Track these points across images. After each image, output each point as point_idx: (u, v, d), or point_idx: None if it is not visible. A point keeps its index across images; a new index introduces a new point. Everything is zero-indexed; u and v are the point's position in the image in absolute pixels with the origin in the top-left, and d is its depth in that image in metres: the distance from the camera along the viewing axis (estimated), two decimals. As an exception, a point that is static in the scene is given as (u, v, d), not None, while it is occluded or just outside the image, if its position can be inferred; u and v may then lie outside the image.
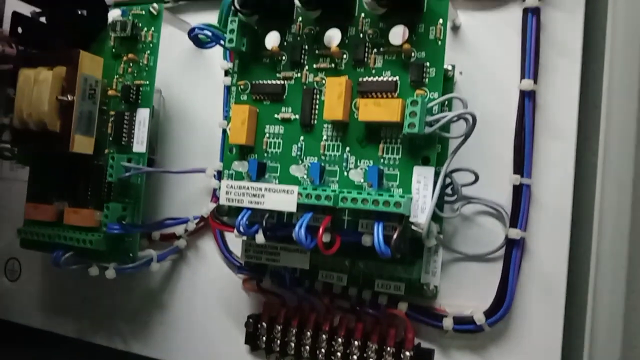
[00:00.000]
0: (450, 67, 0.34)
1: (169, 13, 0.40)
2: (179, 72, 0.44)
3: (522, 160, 0.33)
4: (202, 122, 0.43)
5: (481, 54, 0.36)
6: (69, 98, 0.37)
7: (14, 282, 0.50)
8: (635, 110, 0.33)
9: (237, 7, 0.33)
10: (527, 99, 0.33)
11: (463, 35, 0.36)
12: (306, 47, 0.34)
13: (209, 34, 0.35)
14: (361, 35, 0.32)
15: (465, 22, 0.36)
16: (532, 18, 0.33)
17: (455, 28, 0.36)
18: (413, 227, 0.30)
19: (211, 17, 0.42)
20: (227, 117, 0.39)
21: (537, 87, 0.33)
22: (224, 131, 0.40)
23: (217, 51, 0.42)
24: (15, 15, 0.40)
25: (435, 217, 0.32)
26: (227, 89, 0.41)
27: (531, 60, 0.33)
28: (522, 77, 0.33)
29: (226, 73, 0.41)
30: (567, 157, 0.33)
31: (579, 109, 0.33)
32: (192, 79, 0.44)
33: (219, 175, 0.40)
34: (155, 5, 0.39)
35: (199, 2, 0.43)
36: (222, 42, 0.35)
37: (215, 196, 0.41)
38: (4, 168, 0.52)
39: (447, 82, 0.34)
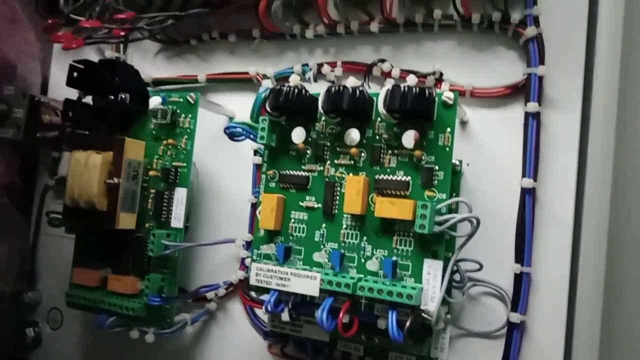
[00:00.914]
0: (457, 162, 0.38)
1: (203, 99, 0.45)
2: (212, 148, 0.48)
3: (522, 250, 0.36)
4: (232, 195, 0.47)
5: (487, 148, 0.39)
6: (115, 181, 0.41)
7: (56, 331, 0.55)
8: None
9: (269, 110, 0.37)
10: (528, 195, 0.37)
11: (470, 129, 0.40)
12: (328, 144, 0.38)
13: (241, 130, 0.39)
14: (377, 137, 0.36)
15: (473, 118, 0.40)
16: (532, 122, 0.37)
17: (464, 123, 0.40)
18: (423, 314, 0.33)
19: (240, 97, 0.47)
20: (256, 194, 0.44)
21: (537, 184, 0.37)
22: (252, 205, 0.45)
23: None
24: (67, 101, 0.44)
25: (444, 301, 0.35)
26: (256, 166, 0.45)
27: (531, 161, 0.37)
28: (524, 175, 0.37)
29: (255, 152, 0.45)
30: (564, 246, 0.37)
31: (575, 200, 0.37)
32: (224, 155, 0.48)
33: (248, 245, 0.45)
34: (192, 94, 0.43)
35: (229, 82, 0.48)
36: (252, 136, 0.40)
37: (243, 264, 0.45)
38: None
39: (455, 175, 0.38)
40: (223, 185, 0.48)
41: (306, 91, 0.37)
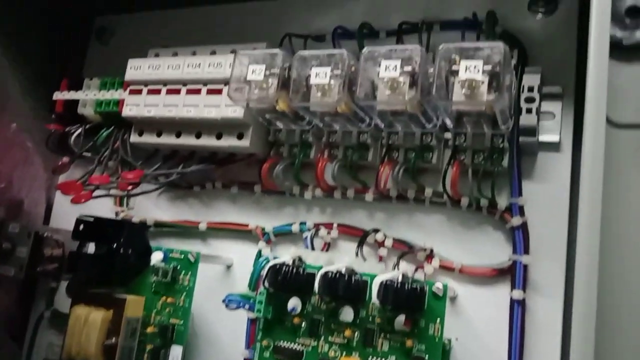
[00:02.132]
0: (447, 341, 0.40)
1: (203, 255, 0.46)
2: (209, 292, 0.49)
3: None
4: (226, 345, 0.48)
5: (475, 324, 0.41)
6: (114, 341, 0.42)
7: None
8: None
9: (267, 285, 0.39)
10: (514, 381, 0.38)
11: (459, 305, 0.42)
12: (323, 319, 0.39)
13: (239, 303, 0.41)
14: (370, 318, 0.38)
15: (462, 293, 0.42)
16: (517, 308, 0.39)
17: (453, 298, 0.42)
18: None
19: (239, 246, 0.49)
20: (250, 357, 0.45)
21: (523, 370, 0.38)
22: None
23: (244, 275, 0.47)
24: (72, 254, 0.46)
25: None
26: (250, 321, 0.46)
27: (517, 347, 0.38)
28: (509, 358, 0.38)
29: (250, 306, 0.46)
30: None
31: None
32: (220, 303, 0.49)
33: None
34: (193, 253, 0.45)
35: (229, 231, 0.50)
36: (248, 307, 0.41)
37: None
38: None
39: (444, 354, 0.39)
40: (218, 332, 0.49)
41: (303, 270, 0.39)
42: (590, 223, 0.29)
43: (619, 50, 0.32)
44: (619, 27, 0.33)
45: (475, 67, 0.34)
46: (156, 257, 0.45)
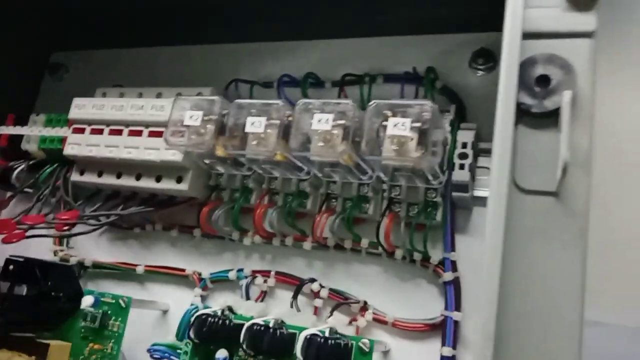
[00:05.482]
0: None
1: (135, 300, 0.45)
2: (143, 337, 0.47)
3: None
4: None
5: (406, 381, 0.40)
6: (33, 390, 0.40)
7: None
8: None
9: (192, 336, 0.38)
10: None
11: (392, 359, 0.41)
12: (252, 374, 0.38)
13: (163, 353, 0.40)
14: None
15: (394, 347, 0.41)
16: (447, 367, 0.38)
17: (386, 352, 0.41)
18: None
19: (176, 290, 0.48)
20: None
21: None
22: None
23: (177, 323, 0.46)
24: (3, 296, 0.44)
25: None
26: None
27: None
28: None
29: (183, 355, 0.45)
30: None
31: None
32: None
33: None
34: (124, 298, 0.44)
35: (167, 275, 0.49)
36: (172, 357, 0.40)
37: None
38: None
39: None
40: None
41: (230, 321, 0.38)
42: (490, 277, 0.29)
43: (529, 118, 0.33)
44: (529, 95, 0.33)
45: (403, 124, 0.34)
46: (86, 302, 0.44)
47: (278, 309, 0.41)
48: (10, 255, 0.45)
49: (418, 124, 0.35)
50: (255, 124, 0.39)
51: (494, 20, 0.35)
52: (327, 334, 0.36)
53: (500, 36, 0.32)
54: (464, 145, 0.40)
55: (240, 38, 0.54)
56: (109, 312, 0.44)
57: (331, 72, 0.49)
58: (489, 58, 0.45)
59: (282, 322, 0.38)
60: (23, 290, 0.46)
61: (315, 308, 0.43)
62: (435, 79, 0.44)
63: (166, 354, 0.40)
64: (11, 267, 0.44)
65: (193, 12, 0.52)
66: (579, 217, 0.31)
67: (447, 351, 0.38)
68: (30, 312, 0.44)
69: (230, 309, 0.40)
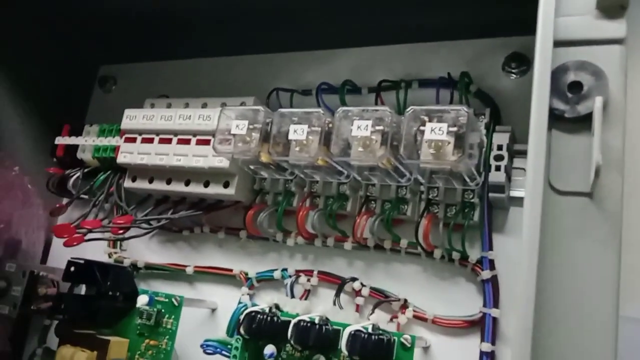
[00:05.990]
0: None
1: (187, 299, 0.48)
2: (194, 334, 0.50)
3: None
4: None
5: (448, 375, 0.42)
6: (96, 383, 0.43)
7: None
8: None
9: (242, 332, 0.40)
10: None
11: (432, 355, 0.43)
12: (297, 367, 0.40)
13: (215, 349, 0.42)
14: (342, 368, 0.39)
15: (434, 343, 0.43)
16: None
17: (426, 348, 0.43)
18: None
19: (223, 290, 0.50)
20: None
21: None
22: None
23: (227, 319, 0.48)
24: (61, 296, 0.48)
25: None
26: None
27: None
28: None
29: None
30: None
31: None
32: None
33: None
34: (177, 297, 0.47)
35: (215, 275, 0.51)
36: (225, 353, 0.42)
37: None
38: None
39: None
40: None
41: (278, 318, 0.41)
42: (528, 274, 0.30)
43: (562, 122, 0.34)
44: (562, 101, 0.34)
45: (440, 128, 0.36)
46: (142, 300, 0.47)
47: (321, 306, 0.43)
48: (72, 258, 0.48)
49: (454, 129, 0.36)
50: (297, 132, 0.41)
51: (526, 23, 0.36)
52: (370, 330, 0.38)
53: (532, 39, 0.33)
54: (500, 148, 0.41)
55: (278, 48, 0.56)
56: (163, 310, 0.47)
57: (367, 79, 0.50)
58: (521, 61, 0.46)
59: (327, 318, 0.40)
60: (82, 290, 0.50)
61: (357, 306, 0.45)
62: (470, 83, 0.45)
63: (218, 349, 0.42)
64: (72, 268, 0.48)
65: (234, 25, 0.55)
66: (613, 216, 0.32)
67: (486, 347, 0.40)
68: (89, 310, 0.47)
69: (277, 306, 0.42)
